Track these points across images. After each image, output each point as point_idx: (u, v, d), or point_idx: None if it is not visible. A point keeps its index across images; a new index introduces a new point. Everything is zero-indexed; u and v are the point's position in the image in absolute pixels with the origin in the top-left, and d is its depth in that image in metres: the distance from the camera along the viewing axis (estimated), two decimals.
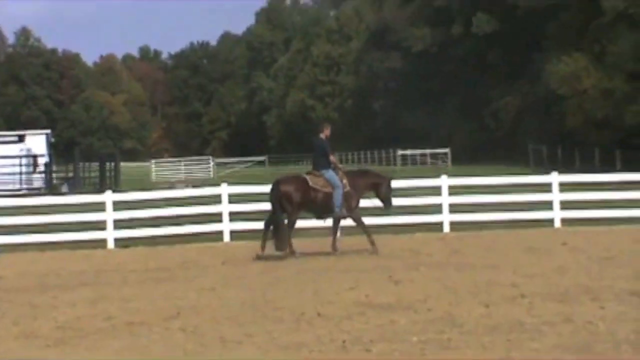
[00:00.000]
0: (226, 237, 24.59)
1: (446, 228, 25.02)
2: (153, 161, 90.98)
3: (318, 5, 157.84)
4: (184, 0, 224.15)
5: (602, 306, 12.19)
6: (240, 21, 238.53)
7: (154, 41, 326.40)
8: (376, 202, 20.76)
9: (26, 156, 53.47)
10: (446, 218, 25.16)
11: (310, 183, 19.87)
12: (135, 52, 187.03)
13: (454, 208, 25.41)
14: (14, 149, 53.91)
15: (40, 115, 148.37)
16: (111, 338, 11.49)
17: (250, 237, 24.18)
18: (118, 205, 24.97)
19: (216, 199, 25.05)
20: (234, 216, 24.97)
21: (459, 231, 24.43)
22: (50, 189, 50.24)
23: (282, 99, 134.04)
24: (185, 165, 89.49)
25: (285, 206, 19.76)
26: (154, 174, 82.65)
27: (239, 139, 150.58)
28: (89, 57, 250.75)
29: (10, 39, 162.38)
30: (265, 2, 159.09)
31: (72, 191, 46.08)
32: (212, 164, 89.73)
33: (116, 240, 24.34)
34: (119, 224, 24.62)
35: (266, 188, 26.77)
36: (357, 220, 20.31)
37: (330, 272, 16.85)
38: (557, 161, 63.29)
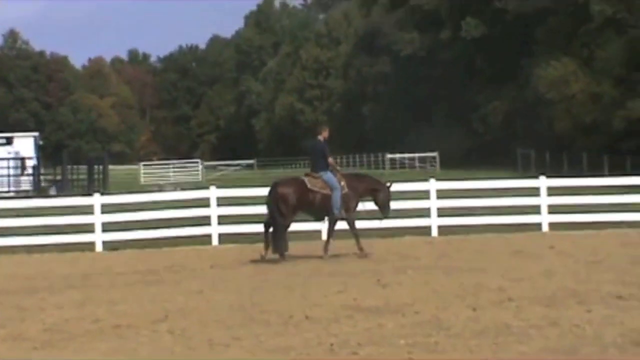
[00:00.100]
0: (215, 241, 24.58)
1: (434, 232, 25.06)
2: (141, 164, 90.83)
3: (307, 9, 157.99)
4: (173, 4, 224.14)
5: (589, 310, 12.23)
6: (229, 24, 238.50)
7: (142, 44, 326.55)
8: (366, 206, 20.79)
9: (14, 158, 53.41)
10: (434, 222, 25.19)
11: (309, 185, 19.87)
12: (124, 55, 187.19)
13: (442, 212, 25.44)
14: (2, 152, 53.89)
15: (28, 117, 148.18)
16: (99, 341, 11.48)
17: (238, 241, 24.22)
18: (106, 208, 24.95)
19: (205, 202, 25.04)
20: (223, 219, 24.96)
21: (447, 235, 24.47)
22: (38, 191, 50.20)
23: (271, 103, 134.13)
24: (173, 168, 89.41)
25: (281, 208, 19.75)
26: (142, 177, 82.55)
27: (228, 142, 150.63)
28: (78, 60, 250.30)
29: None
30: (255, 6, 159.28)
31: (60, 194, 45.99)
32: (200, 167, 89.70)
33: (104, 243, 24.32)
34: (107, 227, 24.58)
35: (255, 191, 26.94)
36: (351, 223, 20.32)
37: (318, 276, 16.87)
38: (545, 165, 63.37)
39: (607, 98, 63.02)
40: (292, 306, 13.19)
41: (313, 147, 20.60)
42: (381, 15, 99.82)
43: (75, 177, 57.61)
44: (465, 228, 24.94)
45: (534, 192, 25.82)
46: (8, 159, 52.46)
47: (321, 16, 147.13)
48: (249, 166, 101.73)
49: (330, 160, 20.30)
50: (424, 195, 25.25)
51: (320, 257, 19.75)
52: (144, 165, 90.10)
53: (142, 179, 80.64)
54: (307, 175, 20.39)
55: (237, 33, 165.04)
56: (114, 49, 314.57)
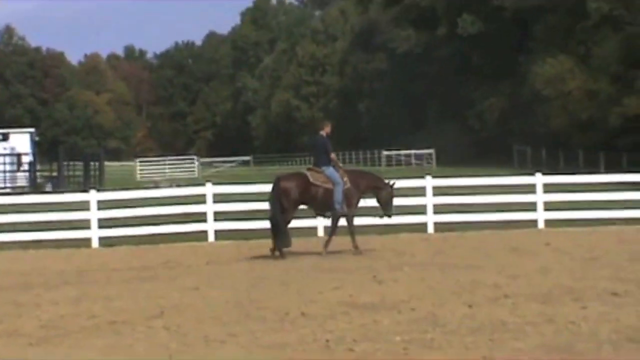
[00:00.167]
0: (211, 237, 24.58)
1: (430, 229, 25.08)
2: (137, 160, 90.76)
3: (303, 6, 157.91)
4: (169, 0, 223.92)
5: (585, 306, 12.24)
6: (226, 21, 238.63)
7: (139, 40, 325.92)
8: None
9: (10, 155, 53.36)
10: (430, 219, 25.22)
11: (311, 179, 19.89)
12: (120, 52, 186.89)
13: (438, 209, 25.47)
14: None
15: (24, 113, 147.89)
16: (94, 337, 11.48)
17: (234, 237, 24.23)
18: (102, 204, 24.93)
19: (201, 199, 25.04)
20: (219, 216, 24.97)
21: (443, 232, 24.49)
22: (34, 187, 50.13)
23: (267, 99, 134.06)
24: (169, 164, 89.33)
25: (283, 202, 19.76)
26: (138, 173, 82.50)
27: (224, 138, 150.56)
28: (74, 56, 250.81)
29: None
30: (251, 2, 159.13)
31: (56, 190, 45.95)
32: (196, 163, 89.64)
33: (100, 239, 24.31)
34: (103, 223, 24.58)
35: (251, 188, 26.97)
36: (350, 220, 20.32)
37: (314, 272, 16.88)
38: (541, 162, 63.41)
39: (604, 95, 63.03)
40: (288, 302, 13.19)
41: (315, 142, 20.63)
42: (377, 12, 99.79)
43: (71, 173, 57.52)
44: (461, 225, 24.96)
45: (530, 189, 25.84)
46: (4, 155, 52.43)
47: (317, 13, 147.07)
48: (245, 163, 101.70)
49: (333, 155, 20.32)
50: (420, 192, 25.26)
51: (319, 254, 19.76)
52: (140, 161, 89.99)
53: (138, 176, 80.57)
54: (309, 169, 20.41)
55: (234, 29, 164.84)
56: (110, 45, 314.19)
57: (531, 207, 25.56)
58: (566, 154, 63.43)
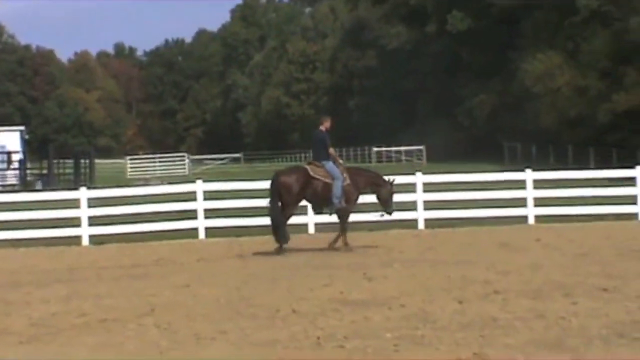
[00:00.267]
0: (201, 234, 24.58)
1: (421, 225, 25.11)
2: (128, 158, 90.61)
3: (293, 3, 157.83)
4: None
5: (575, 302, 12.26)
6: (216, 18, 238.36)
7: (128, 38, 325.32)
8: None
9: (0, 153, 53.25)
10: (421, 215, 25.25)
11: (311, 173, 19.88)
12: (110, 49, 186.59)
13: (429, 205, 25.49)
14: None
15: (14, 111, 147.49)
16: (85, 335, 11.46)
17: (225, 234, 24.23)
18: (92, 202, 24.90)
19: (191, 196, 25.02)
20: (209, 213, 24.95)
21: (433, 228, 24.53)
22: (25, 185, 50.07)
23: (258, 97, 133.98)
24: (160, 162, 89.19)
25: (284, 197, 19.73)
26: (128, 171, 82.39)
27: (214, 136, 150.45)
28: (64, 54, 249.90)
29: None
30: None
31: (47, 188, 45.89)
32: (187, 161, 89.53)
33: (91, 237, 24.29)
34: (93, 221, 24.55)
35: (241, 185, 26.97)
36: (344, 216, 20.32)
37: (304, 269, 16.88)
38: (531, 158, 63.55)
39: (593, 91, 63.16)
40: (278, 300, 13.20)
41: (314, 137, 20.62)
42: (367, 8, 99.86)
43: (61, 171, 57.49)
44: (451, 221, 25.00)
45: (520, 185, 25.89)
46: None
47: (307, 10, 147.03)
48: (236, 160, 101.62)
49: (331, 150, 20.34)
50: (411, 188, 25.27)
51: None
52: (131, 159, 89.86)
53: (128, 173, 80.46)
54: (309, 163, 20.42)
55: (224, 27, 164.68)
56: (100, 42, 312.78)
57: (521, 203, 25.60)
58: (556, 150, 63.57)
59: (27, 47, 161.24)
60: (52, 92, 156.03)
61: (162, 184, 41.29)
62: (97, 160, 68.91)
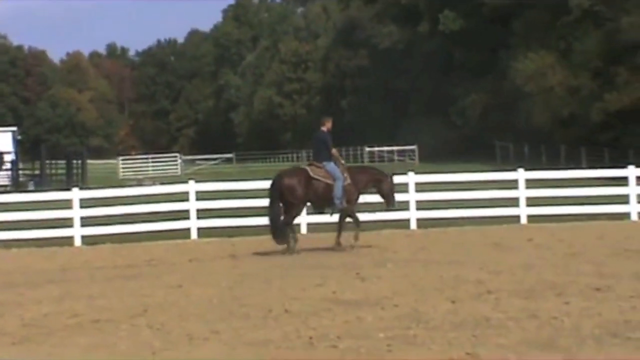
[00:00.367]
0: (194, 235, 24.57)
1: (413, 225, 25.13)
2: (120, 158, 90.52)
3: (286, 3, 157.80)
4: None
5: (567, 302, 12.26)
6: (208, 18, 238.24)
7: (121, 38, 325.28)
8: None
9: None
10: (413, 215, 25.27)
11: (312, 173, 19.87)
12: (102, 49, 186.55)
13: (421, 205, 25.50)
14: None
15: (6, 112, 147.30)
16: (78, 335, 11.44)
17: (217, 234, 24.22)
18: (85, 203, 24.87)
19: (183, 196, 25.01)
20: (202, 213, 24.94)
21: (425, 228, 24.54)
22: (17, 186, 50.01)
23: (250, 97, 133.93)
24: (152, 162, 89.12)
25: (289, 199, 19.70)
26: (121, 171, 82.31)
27: (207, 136, 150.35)
28: (56, 54, 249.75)
29: None
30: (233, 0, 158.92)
31: (39, 188, 45.83)
32: (179, 161, 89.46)
33: (83, 237, 24.27)
34: (85, 221, 24.52)
35: (234, 185, 26.96)
36: (343, 215, 20.33)
37: (297, 269, 16.88)
38: (523, 158, 63.63)
39: (585, 91, 63.25)
40: (271, 299, 13.19)
41: (316, 137, 20.61)
42: (359, 8, 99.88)
43: (53, 171, 57.44)
44: (444, 221, 25.02)
45: (513, 184, 25.92)
46: None
47: (300, 10, 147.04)
48: (228, 160, 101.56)
49: (334, 151, 20.35)
50: (403, 188, 25.26)
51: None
52: (123, 159, 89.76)
53: (120, 174, 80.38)
54: (310, 164, 20.41)
55: (216, 27, 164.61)
56: (92, 43, 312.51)
57: (514, 202, 25.63)
58: (548, 149, 63.63)
59: (19, 48, 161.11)
60: (44, 93, 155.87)
61: (154, 184, 41.28)
62: (89, 161, 68.89)
